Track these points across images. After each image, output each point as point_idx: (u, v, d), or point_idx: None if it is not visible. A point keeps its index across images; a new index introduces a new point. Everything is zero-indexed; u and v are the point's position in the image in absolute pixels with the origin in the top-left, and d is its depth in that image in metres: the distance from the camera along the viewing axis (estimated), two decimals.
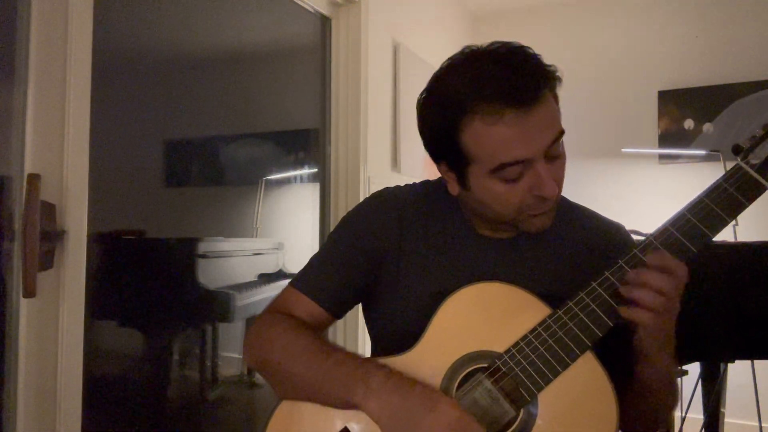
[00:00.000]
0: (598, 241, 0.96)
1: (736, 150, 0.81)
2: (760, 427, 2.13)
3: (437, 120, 0.85)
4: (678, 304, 0.79)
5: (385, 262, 0.95)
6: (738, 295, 1.48)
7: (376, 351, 1.00)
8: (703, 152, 2.91)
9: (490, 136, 0.80)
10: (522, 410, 0.81)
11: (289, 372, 0.86)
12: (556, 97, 0.85)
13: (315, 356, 0.85)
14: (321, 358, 0.84)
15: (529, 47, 0.84)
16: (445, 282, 0.90)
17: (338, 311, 0.96)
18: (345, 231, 0.99)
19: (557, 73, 0.83)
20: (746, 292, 1.48)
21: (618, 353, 0.84)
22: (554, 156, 0.83)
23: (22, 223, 1.17)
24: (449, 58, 0.87)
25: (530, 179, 0.82)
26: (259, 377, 2.28)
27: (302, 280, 0.96)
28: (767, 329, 1.46)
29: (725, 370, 1.70)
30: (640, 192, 3.16)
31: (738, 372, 2.05)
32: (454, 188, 0.91)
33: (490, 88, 0.79)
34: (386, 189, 1.01)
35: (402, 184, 1.03)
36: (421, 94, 0.89)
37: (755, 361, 2.10)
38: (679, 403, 1.99)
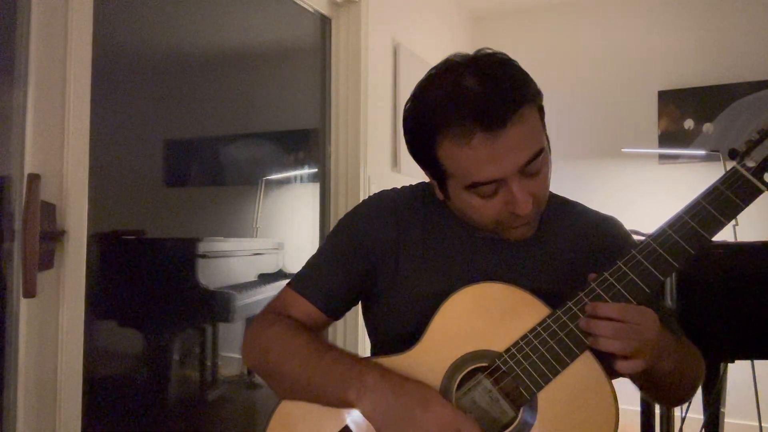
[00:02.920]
0: (593, 236, 0.96)
1: (733, 153, 0.82)
2: (760, 427, 2.13)
3: (416, 134, 0.87)
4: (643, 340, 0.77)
5: (383, 263, 0.95)
6: (738, 295, 1.48)
7: (376, 352, 1.00)
8: (702, 152, 2.91)
9: (460, 156, 0.80)
10: (521, 410, 0.81)
11: (285, 372, 0.87)
12: (541, 111, 0.84)
13: (310, 356, 0.85)
14: (316, 358, 0.85)
15: (513, 61, 0.83)
16: (444, 282, 0.90)
17: (335, 312, 0.96)
18: (343, 232, 0.99)
19: (537, 89, 0.82)
20: (746, 292, 1.48)
21: None
22: (532, 173, 0.82)
23: (22, 223, 1.17)
24: (432, 68, 0.87)
25: (505, 196, 0.82)
26: (258, 377, 2.28)
27: (299, 281, 0.96)
28: (767, 329, 1.47)
29: (725, 370, 1.71)
30: (640, 192, 3.16)
31: (738, 372, 2.05)
32: (439, 194, 0.93)
33: (462, 109, 0.78)
34: (384, 191, 1.02)
35: (399, 186, 1.03)
36: (406, 103, 0.89)
37: (755, 361, 2.10)
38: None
